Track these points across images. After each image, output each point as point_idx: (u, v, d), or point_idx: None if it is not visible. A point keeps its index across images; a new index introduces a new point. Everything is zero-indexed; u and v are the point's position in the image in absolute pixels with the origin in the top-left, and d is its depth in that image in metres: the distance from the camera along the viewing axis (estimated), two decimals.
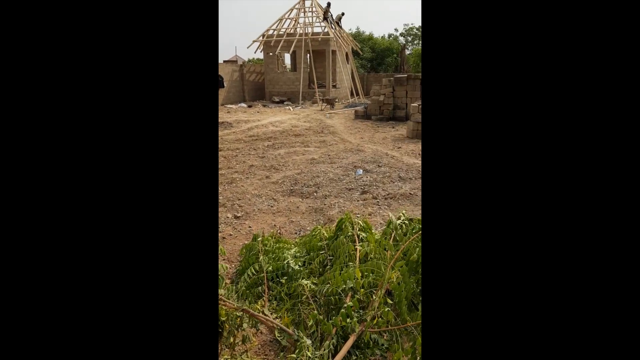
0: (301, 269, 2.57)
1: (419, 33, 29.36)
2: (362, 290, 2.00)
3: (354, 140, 8.77)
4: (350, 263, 2.34)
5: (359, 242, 2.56)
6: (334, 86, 19.32)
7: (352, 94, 19.13)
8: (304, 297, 2.11)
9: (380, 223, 3.96)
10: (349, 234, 2.66)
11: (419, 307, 2.18)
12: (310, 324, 1.84)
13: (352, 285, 2.00)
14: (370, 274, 2.10)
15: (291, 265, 2.58)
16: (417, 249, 2.29)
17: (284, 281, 2.51)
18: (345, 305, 1.88)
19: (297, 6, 19.26)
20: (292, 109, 15.56)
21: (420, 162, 6.56)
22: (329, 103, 15.57)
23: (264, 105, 17.06)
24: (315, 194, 4.99)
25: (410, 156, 7.06)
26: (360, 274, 2.01)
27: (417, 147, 7.80)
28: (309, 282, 2.20)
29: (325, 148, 7.92)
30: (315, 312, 1.90)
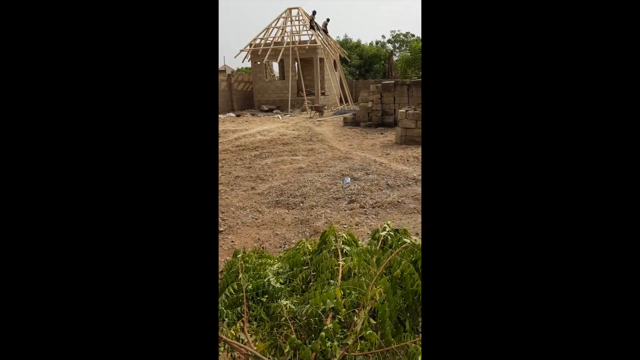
0: (282, 286, 2.45)
1: (406, 39, 29.57)
2: (344, 310, 1.88)
3: (342, 147, 8.68)
4: (332, 280, 2.22)
5: (342, 257, 2.45)
6: (323, 93, 19.30)
7: (341, 101, 19.10)
8: (283, 319, 1.98)
9: (367, 233, 3.85)
10: (333, 248, 2.54)
11: (406, 324, 2.07)
12: (287, 350, 1.71)
13: (332, 305, 1.88)
14: (353, 292, 1.99)
15: (272, 283, 2.45)
16: (403, 262, 2.18)
17: (265, 300, 2.38)
18: (325, 327, 1.76)
19: (283, 15, 19.28)
20: (281, 118, 15.47)
21: (408, 168, 6.48)
22: (318, 110, 15.51)
23: (253, 114, 16.94)
24: (301, 204, 4.87)
25: (399, 163, 6.98)
26: (341, 293, 1.90)
27: (405, 153, 7.73)
28: (288, 302, 2.07)
29: (314, 156, 7.82)
30: (293, 336, 1.78)
